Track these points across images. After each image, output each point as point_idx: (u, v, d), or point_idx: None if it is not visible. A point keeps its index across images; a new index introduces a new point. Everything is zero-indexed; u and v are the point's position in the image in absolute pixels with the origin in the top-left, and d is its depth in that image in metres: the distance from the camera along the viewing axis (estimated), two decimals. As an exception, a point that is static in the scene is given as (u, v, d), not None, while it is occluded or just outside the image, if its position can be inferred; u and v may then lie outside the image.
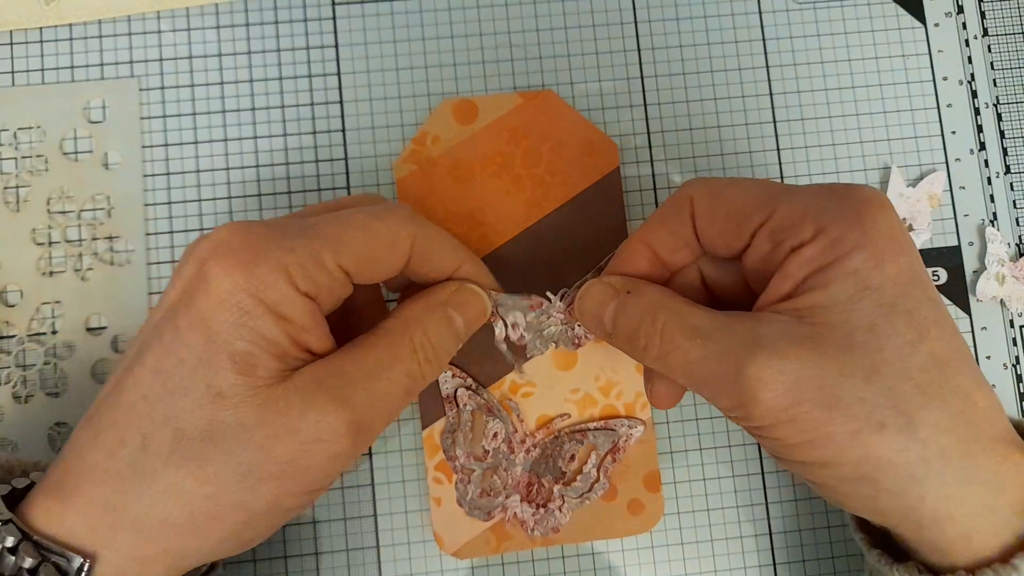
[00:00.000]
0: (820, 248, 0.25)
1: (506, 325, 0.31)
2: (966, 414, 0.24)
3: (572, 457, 0.34)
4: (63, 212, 0.35)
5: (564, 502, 0.34)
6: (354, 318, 0.31)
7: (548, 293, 0.31)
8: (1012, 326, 0.37)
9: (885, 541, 0.28)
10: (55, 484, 0.25)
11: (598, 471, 0.34)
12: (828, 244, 0.24)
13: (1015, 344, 0.36)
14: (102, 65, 0.36)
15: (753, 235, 0.27)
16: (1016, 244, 0.37)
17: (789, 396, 0.23)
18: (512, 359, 0.33)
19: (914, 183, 0.37)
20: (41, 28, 0.36)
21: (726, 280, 0.30)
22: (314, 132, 0.36)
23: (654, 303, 0.27)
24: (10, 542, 0.24)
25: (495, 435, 0.34)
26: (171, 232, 0.35)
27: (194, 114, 0.36)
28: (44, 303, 0.35)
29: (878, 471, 0.24)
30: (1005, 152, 0.38)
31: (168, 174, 0.36)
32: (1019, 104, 0.38)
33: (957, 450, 0.24)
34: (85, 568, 0.24)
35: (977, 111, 0.38)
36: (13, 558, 0.24)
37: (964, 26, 0.38)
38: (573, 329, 0.31)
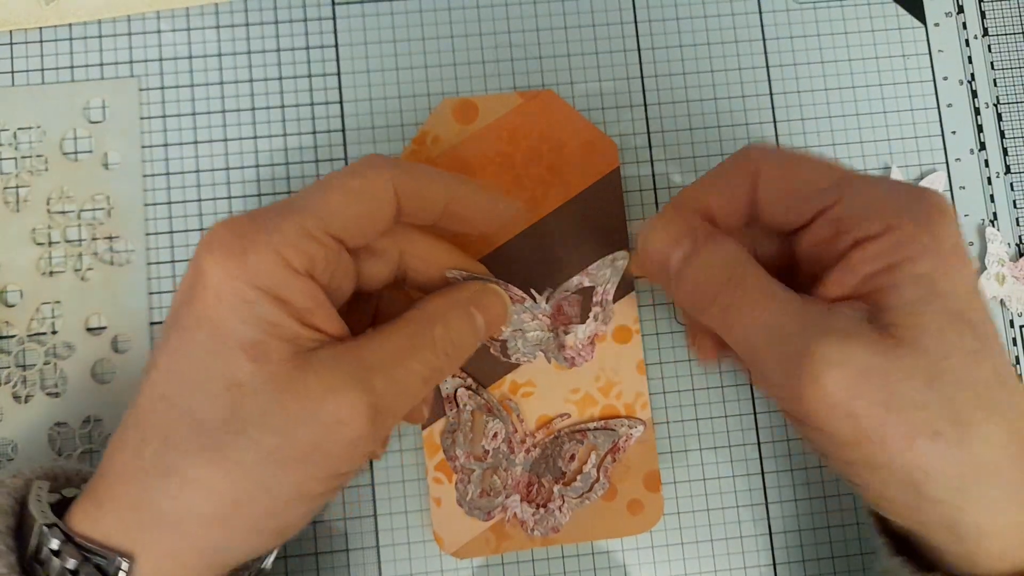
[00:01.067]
0: (887, 246, 0.24)
1: None
2: (1021, 432, 0.24)
3: (572, 457, 0.34)
4: (63, 212, 0.35)
5: (564, 502, 0.34)
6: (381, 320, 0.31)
7: (532, 291, 0.30)
8: (1012, 326, 0.37)
9: (905, 546, 0.28)
10: (92, 489, 0.26)
11: (598, 471, 0.34)
12: (896, 243, 0.24)
13: (1015, 344, 0.36)
14: (102, 65, 0.36)
15: (814, 217, 0.26)
16: (1016, 244, 0.37)
17: (851, 388, 0.23)
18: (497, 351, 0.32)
19: (914, 183, 0.37)
20: (41, 28, 0.36)
21: (769, 252, 0.29)
22: (314, 132, 0.36)
23: (734, 255, 0.26)
24: (55, 544, 0.24)
25: (495, 435, 0.34)
26: (171, 232, 0.35)
27: (194, 114, 0.36)
28: (44, 303, 0.35)
29: (926, 479, 0.23)
30: (1005, 152, 0.38)
31: (168, 174, 0.36)
32: (1019, 104, 0.38)
33: (1008, 467, 0.24)
34: (125, 568, 0.24)
35: (977, 111, 0.38)
36: (59, 561, 0.24)
37: (964, 26, 0.38)
38: (558, 337, 0.30)
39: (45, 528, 0.25)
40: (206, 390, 0.24)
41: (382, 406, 0.25)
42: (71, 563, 0.24)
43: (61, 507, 0.26)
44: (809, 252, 0.27)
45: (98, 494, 0.25)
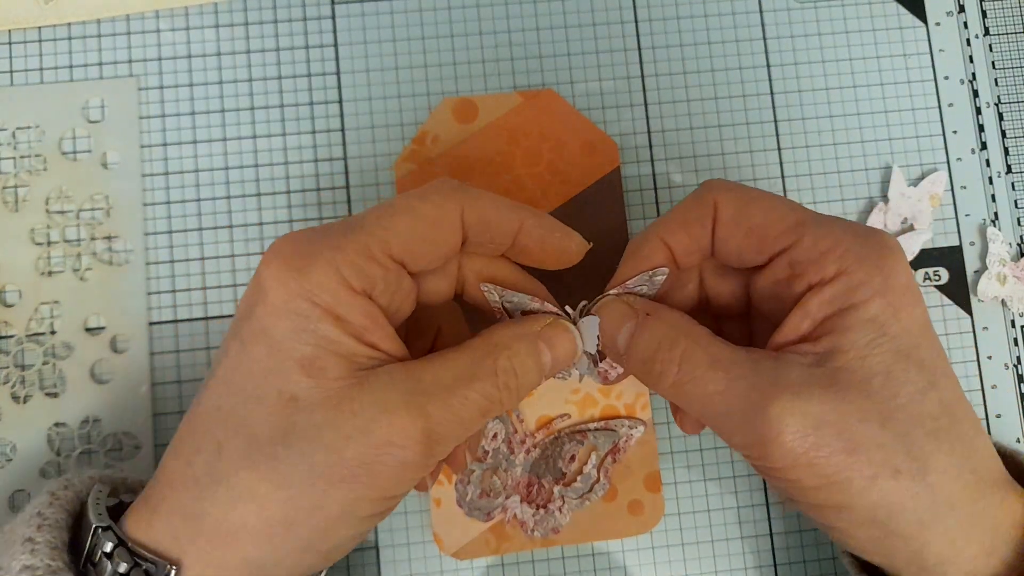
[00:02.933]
0: (840, 290, 0.25)
1: None
2: (971, 460, 0.25)
3: (572, 458, 0.34)
4: (62, 212, 0.35)
5: (564, 503, 0.34)
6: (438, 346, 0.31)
7: (567, 307, 0.29)
8: (1013, 326, 0.37)
9: (872, 567, 0.28)
10: (147, 495, 0.26)
11: (598, 472, 0.34)
12: (849, 287, 0.25)
13: (1016, 344, 0.36)
14: (101, 64, 0.36)
15: (771, 258, 0.27)
16: (1017, 244, 0.37)
17: (810, 439, 0.24)
18: None
19: (915, 183, 0.37)
20: (40, 27, 0.36)
21: (726, 289, 0.30)
22: (313, 132, 0.36)
23: (675, 328, 0.27)
24: (108, 547, 0.25)
25: (495, 435, 0.34)
26: (170, 232, 0.35)
27: (193, 114, 0.36)
28: (43, 303, 0.35)
29: (891, 516, 0.24)
30: (1006, 152, 0.37)
31: (167, 174, 0.36)
32: (1020, 103, 0.38)
33: (963, 496, 0.24)
34: (172, 575, 0.24)
35: (978, 110, 0.38)
36: (111, 565, 0.25)
37: (965, 25, 0.38)
38: (592, 353, 0.29)
39: (100, 531, 0.25)
40: (261, 403, 0.24)
41: (436, 433, 0.24)
42: (123, 567, 0.24)
43: (119, 511, 0.27)
44: (765, 290, 0.28)
45: (152, 500, 0.26)
